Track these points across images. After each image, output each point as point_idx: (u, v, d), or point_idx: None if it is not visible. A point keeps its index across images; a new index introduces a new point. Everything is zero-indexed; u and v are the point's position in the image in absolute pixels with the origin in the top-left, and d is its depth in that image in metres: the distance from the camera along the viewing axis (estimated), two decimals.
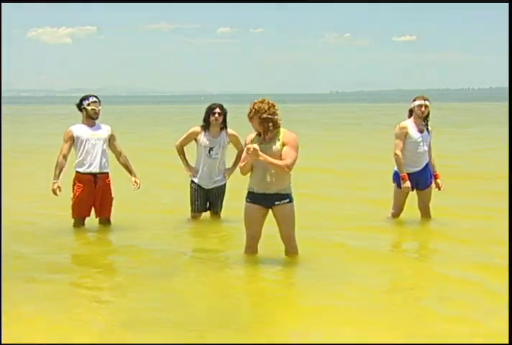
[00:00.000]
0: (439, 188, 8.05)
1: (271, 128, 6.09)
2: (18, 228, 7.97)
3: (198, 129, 8.12)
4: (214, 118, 7.98)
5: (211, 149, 8.07)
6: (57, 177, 7.61)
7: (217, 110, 7.98)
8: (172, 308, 5.13)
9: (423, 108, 7.79)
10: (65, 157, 7.64)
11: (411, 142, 7.80)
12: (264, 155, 5.97)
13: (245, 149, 6.06)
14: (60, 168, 7.61)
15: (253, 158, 5.97)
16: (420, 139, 7.81)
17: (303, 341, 4.46)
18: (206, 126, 8.05)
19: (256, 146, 5.95)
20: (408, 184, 7.76)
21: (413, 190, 7.97)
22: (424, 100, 7.82)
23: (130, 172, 7.94)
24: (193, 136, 8.17)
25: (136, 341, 4.47)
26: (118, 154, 7.91)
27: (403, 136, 7.80)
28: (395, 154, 7.78)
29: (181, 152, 8.31)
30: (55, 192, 7.61)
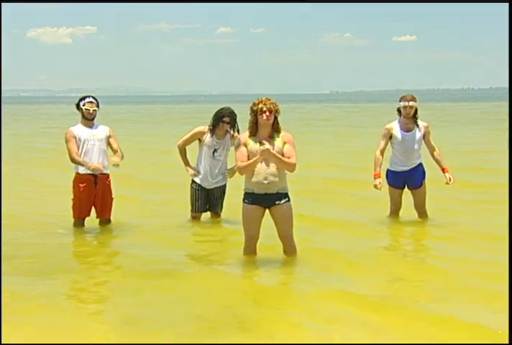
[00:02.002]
0: (448, 183, 7.95)
1: (280, 126, 6.21)
2: (17, 229, 7.95)
3: (203, 128, 8.10)
4: (222, 125, 8.00)
5: (215, 150, 8.08)
6: (84, 162, 7.48)
7: (225, 119, 7.98)
8: (172, 308, 5.14)
9: (408, 109, 7.87)
10: (77, 154, 7.54)
11: (397, 142, 7.94)
12: (276, 154, 6.01)
13: (259, 151, 5.97)
14: (80, 163, 7.51)
15: (265, 157, 5.99)
16: (406, 138, 7.89)
17: (302, 341, 4.46)
18: (213, 129, 8.04)
19: (268, 145, 5.97)
20: (376, 181, 7.93)
21: (403, 188, 8.08)
22: (408, 101, 7.87)
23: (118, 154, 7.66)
24: (197, 136, 8.15)
25: (136, 341, 4.47)
26: (114, 152, 7.80)
27: (387, 137, 7.97)
28: (375, 153, 7.99)
29: (183, 152, 8.28)
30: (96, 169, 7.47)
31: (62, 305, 5.21)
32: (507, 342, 4.17)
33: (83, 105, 7.63)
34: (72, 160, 7.57)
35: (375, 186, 7.96)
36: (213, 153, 8.07)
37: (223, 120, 7.99)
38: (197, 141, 8.20)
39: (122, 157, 7.69)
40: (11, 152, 17.36)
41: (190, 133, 8.20)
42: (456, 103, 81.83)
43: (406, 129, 7.91)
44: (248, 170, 6.16)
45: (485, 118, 36.47)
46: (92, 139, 7.64)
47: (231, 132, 8.08)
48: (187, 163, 8.30)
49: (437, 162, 8.05)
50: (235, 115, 8.07)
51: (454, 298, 5.30)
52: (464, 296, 5.34)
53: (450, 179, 7.93)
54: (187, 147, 8.31)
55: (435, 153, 8.03)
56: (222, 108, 8.11)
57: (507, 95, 61.22)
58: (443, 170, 8.01)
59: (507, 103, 56.81)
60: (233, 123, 8.05)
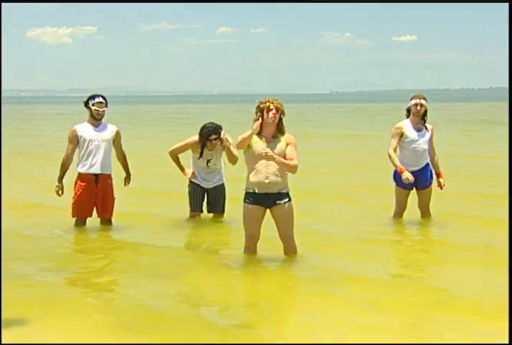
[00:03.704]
0: (441, 187, 8.05)
1: (284, 127, 6.22)
2: (17, 229, 7.95)
3: (197, 139, 7.98)
4: (210, 143, 7.89)
5: (208, 161, 8.05)
6: (60, 179, 7.74)
7: (213, 137, 7.84)
8: (171, 309, 5.14)
9: (418, 107, 7.87)
10: (69, 157, 7.71)
11: (408, 141, 7.88)
12: (278, 157, 6.01)
13: (263, 153, 5.94)
14: (64, 169, 7.70)
15: (269, 159, 6.01)
16: (417, 138, 7.87)
17: (301, 341, 4.46)
18: (203, 146, 7.93)
19: (269, 150, 5.96)
20: (406, 175, 7.66)
21: (412, 189, 8.02)
22: (420, 98, 7.88)
23: (126, 170, 8.06)
24: (190, 146, 8.08)
25: (135, 341, 4.47)
26: (118, 153, 7.94)
27: (398, 135, 7.90)
28: (388, 152, 7.88)
29: (175, 159, 8.23)
30: (57, 194, 7.78)
31: (61, 304, 5.20)
32: (507, 342, 4.17)
33: (93, 105, 7.66)
34: (62, 160, 7.72)
35: (407, 179, 7.66)
36: (207, 163, 8.06)
37: (209, 138, 7.85)
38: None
39: (129, 175, 8.07)
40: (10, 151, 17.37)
41: (184, 142, 8.12)
42: (447, 103, 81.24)
43: (417, 128, 7.92)
44: (244, 145, 6.10)
45: (467, 120, 35.99)
46: (96, 139, 7.66)
47: (221, 139, 7.91)
48: (182, 169, 8.27)
49: (434, 166, 8.07)
50: (220, 127, 7.87)
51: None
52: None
53: (443, 184, 8.01)
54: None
55: (435, 157, 8.06)
56: (205, 126, 7.88)
57: (506, 95, 61.08)
58: (437, 175, 8.06)
59: (501, 103, 56.80)
60: (220, 134, 7.87)
